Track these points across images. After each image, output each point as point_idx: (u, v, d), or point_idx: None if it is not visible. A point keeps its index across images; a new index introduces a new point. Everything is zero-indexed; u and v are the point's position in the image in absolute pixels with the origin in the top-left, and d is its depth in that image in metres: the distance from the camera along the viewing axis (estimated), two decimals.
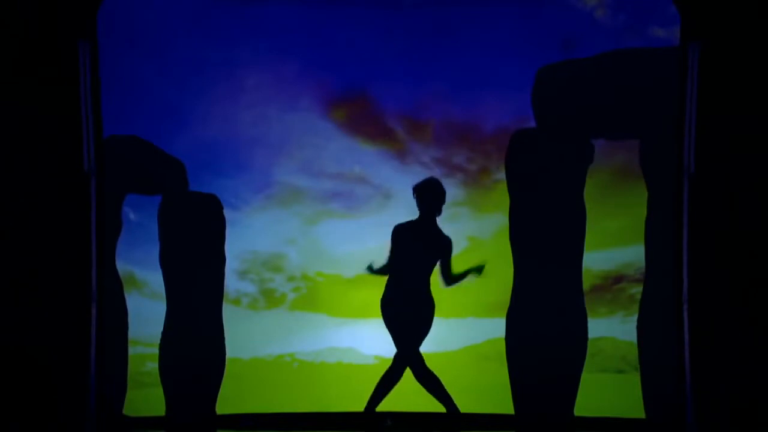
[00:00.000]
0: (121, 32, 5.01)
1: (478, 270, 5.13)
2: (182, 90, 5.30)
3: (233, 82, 5.35)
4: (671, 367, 4.57)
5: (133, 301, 5.26)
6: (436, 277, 5.14)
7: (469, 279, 5.14)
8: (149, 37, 5.18)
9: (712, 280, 4.48)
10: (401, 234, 5.15)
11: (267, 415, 5.27)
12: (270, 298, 5.62)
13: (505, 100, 5.29)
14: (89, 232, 4.57)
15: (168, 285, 5.26)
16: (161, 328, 5.25)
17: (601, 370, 5.28)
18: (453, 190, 5.33)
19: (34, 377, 4.46)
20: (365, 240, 5.40)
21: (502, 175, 5.18)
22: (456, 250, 5.17)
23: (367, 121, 5.49)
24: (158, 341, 5.25)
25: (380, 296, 5.14)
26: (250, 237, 5.50)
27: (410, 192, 5.20)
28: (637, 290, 5.12)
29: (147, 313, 5.28)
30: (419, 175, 5.28)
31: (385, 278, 5.14)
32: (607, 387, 5.22)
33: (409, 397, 5.04)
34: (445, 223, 5.22)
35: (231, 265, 5.38)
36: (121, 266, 5.23)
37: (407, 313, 5.03)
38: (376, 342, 4.98)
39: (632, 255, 5.16)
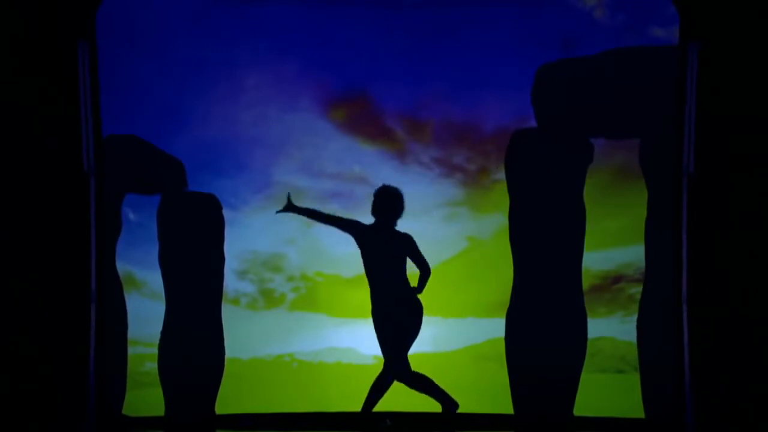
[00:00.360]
0: (121, 32, 5.02)
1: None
2: (182, 90, 5.30)
3: (233, 82, 5.36)
4: (671, 367, 4.57)
5: (132, 301, 5.26)
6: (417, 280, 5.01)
7: None
8: (149, 37, 5.18)
9: (712, 280, 4.47)
10: (365, 234, 4.99)
11: (266, 415, 5.27)
12: (269, 298, 5.62)
13: (505, 100, 5.30)
14: (89, 232, 4.56)
15: (167, 285, 5.26)
16: (160, 328, 5.26)
17: (600, 370, 5.29)
18: (452, 190, 5.34)
19: (34, 377, 4.45)
20: None
21: (501, 175, 5.18)
22: (456, 250, 5.16)
23: (366, 121, 5.49)
24: (157, 341, 5.26)
25: None
26: (250, 237, 5.51)
27: (410, 192, 5.15)
28: (636, 290, 5.12)
29: (146, 313, 5.28)
30: (419, 174, 5.28)
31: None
32: (607, 387, 5.22)
33: (408, 397, 5.03)
34: (444, 223, 5.22)
35: (230, 265, 5.38)
36: (121, 266, 5.24)
37: (393, 320, 4.94)
38: (375, 342, 4.97)
39: (632, 255, 5.17)
